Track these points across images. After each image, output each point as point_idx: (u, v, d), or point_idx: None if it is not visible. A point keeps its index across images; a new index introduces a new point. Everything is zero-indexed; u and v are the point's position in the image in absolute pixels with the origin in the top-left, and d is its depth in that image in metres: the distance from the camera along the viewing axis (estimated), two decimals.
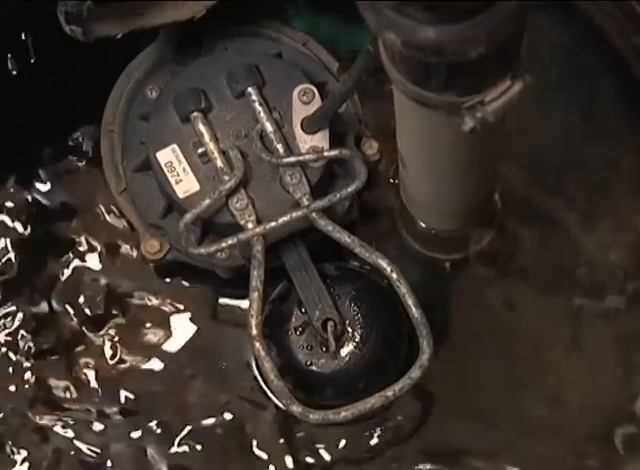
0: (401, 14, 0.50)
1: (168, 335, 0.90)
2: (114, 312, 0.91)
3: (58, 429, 0.87)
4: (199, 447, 0.87)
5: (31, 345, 0.89)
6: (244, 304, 0.90)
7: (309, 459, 0.87)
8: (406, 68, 0.57)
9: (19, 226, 0.91)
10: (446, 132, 0.64)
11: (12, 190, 0.92)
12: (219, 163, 0.82)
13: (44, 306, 0.90)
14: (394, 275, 0.78)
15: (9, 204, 0.92)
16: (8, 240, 0.91)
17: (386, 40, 0.52)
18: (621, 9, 0.88)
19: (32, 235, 0.91)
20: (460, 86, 0.56)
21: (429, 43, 0.50)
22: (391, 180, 0.90)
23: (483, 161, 0.73)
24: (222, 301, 0.91)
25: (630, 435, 0.83)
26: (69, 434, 0.87)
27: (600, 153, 0.91)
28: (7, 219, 0.91)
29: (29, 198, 0.92)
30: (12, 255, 0.90)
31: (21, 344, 0.89)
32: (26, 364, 0.88)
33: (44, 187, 0.93)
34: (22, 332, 0.89)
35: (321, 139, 0.82)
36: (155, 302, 0.91)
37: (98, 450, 0.87)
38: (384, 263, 0.79)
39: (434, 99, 0.58)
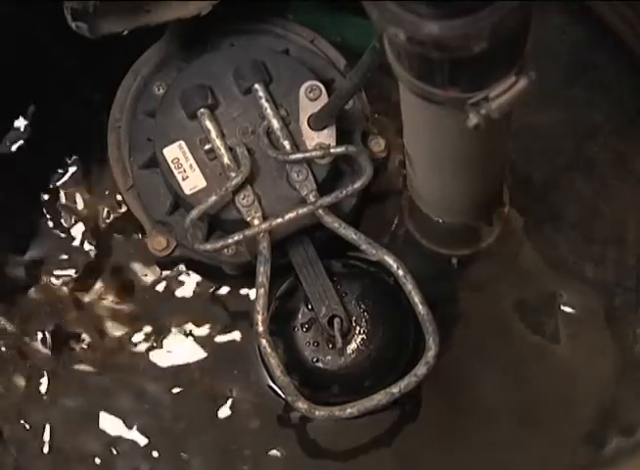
0: (405, 9, 0.50)
1: (173, 332, 0.91)
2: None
3: None
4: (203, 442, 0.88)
5: None
6: (250, 300, 0.90)
7: (314, 454, 0.87)
8: (411, 64, 0.57)
9: None
10: (451, 128, 0.64)
11: None
12: (226, 159, 0.82)
13: None
14: (401, 272, 0.78)
15: None
16: None
17: (390, 36, 0.52)
18: (634, 8, 0.87)
19: None
20: (464, 82, 0.56)
21: (432, 38, 0.50)
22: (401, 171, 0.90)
23: (489, 157, 0.73)
24: (228, 297, 0.91)
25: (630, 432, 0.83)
26: None
27: (609, 150, 0.91)
28: None
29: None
30: None
31: None
32: None
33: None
34: None
35: (328, 136, 0.82)
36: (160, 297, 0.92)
37: None
38: (390, 260, 0.79)
39: (439, 95, 0.58)
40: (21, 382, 0.89)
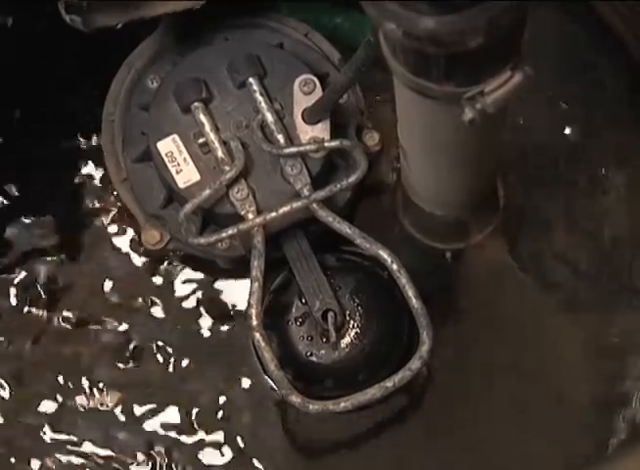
0: (401, 5, 0.50)
1: (167, 326, 0.91)
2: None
3: None
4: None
5: None
6: (244, 294, 0.90)
7: (308, 448, 0.87)
8: (406, 58, 0.57)
9: None
10: (447, 123, 0.64)
11: None
12: (220, 153, 0.82)
13: None
14: (395, 266, 0.79)
15: None
16: None
17: (386, 31, 0.52)
18: (633, 9, 0.87)
19: None
20: (460, 77, 0.56)
21: (429, 33, 0.50)
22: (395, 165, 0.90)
23: (485, 152, 0.73)
24: (222, 291, 0.91)
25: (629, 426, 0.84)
26: None
27: (607, 149, 0.91)
28: None
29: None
30: None
31: None
32: None
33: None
34: None
35: (322, 130, 0.82)
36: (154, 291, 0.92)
37: None
38: (384, 254, 0.79)
39: (435, 89, 0.58)
40: None
